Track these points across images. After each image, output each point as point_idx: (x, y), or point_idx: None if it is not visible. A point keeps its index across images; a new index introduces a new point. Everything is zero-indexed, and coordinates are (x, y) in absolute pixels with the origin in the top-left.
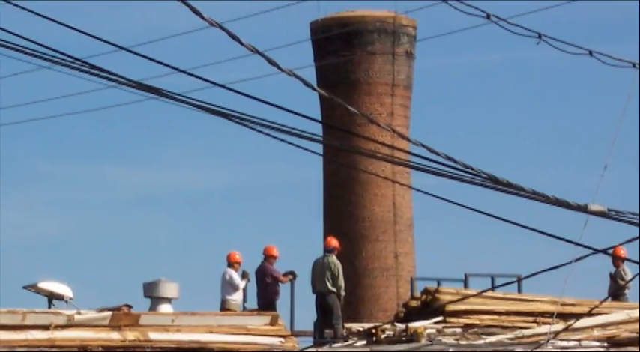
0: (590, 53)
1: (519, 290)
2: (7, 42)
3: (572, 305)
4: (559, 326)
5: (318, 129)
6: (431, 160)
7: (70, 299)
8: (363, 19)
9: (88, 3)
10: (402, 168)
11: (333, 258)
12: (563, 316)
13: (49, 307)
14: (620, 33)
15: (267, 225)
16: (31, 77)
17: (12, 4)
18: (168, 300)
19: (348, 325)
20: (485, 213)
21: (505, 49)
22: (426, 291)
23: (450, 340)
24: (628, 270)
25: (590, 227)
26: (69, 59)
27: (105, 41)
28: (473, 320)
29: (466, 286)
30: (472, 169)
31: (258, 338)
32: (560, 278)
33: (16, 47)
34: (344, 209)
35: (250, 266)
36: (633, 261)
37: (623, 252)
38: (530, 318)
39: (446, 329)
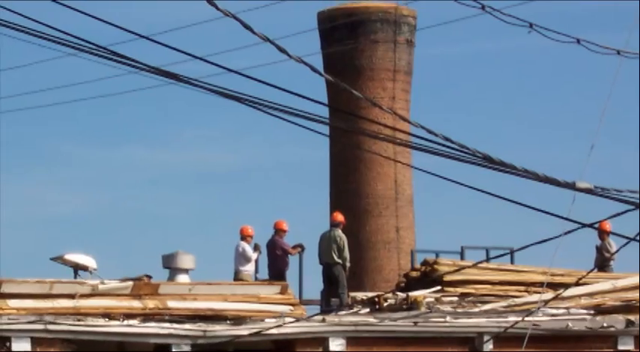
0: (578, 41)
1: (512, 262)
2: (36, 31)
3: (561, 275)
4: (549, 295)
5: (324, 112)
6: (430, 141)
7: (94, 270)
8: (366, 9)
9: None
10: (403, 148)
11: (339, 232)
12: (552, 286)
13: (75, 277)
14: (606, 22)
15: (277, 201)
16: (58, 64)
17: None
18: (186, 271)
19: (352, 294)
20: (480, 190)
21: (499, 37)
22: (425, 263)
23: (448, 308)
24: (613, 243)
25: (577, 203)
26: (93, 47)
27: (126, 30)
28: (469, 289)
29: (462, 258)
30: (468, 149)
31: (269, 306)
32: (550, 250)
33: (44, 36)
34: (349, 186)
35: (262, 240)
36: (618, 235)
37: (608, 226)
38: (522, 288)
39: (444, 298)
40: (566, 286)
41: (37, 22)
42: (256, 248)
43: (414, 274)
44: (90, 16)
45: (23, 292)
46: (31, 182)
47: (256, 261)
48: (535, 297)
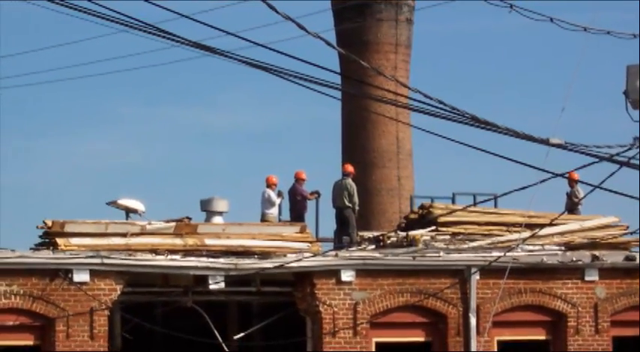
0: (552, 20)
1: (496, 206)
2: (94, 11)
3: (537, 217)
4: (527, 234)
5: (337, 79)
6: (426, 104)
7: (143, 212)
8: None
9: None
10: (404, 110)
11: (349, 181)
12: (529, 226)
13: (126, 219)
14: (575, 3)
15: (297, 154)
16: (112, 39)
17: None
18: (220, 214)
19: (360, 233)
20: (468, 145)
21: (485, 17)
22: (422, 207)
23: (441, 245)
24: (581, 190)
25: (551, 156)
26: (142, 24)
27: (169, 10)
28: (459, 229)
29: (454, 202)
30: (458, 111)
31: (290, 243)
32: (528, 196)
33: (101, 15)
34: (358, 142)
35: (284, 187)
36: (585, 183)
37: (576, 175)
38: (504, 228)
39: (438, 237)
40: (541, 226)
41: (94, 3)
42: (279, 194)
43: (413, 216)
44: None
45: (83, 231)
46: (92, 138)
47: (280, 205)
48: (515, 236)
